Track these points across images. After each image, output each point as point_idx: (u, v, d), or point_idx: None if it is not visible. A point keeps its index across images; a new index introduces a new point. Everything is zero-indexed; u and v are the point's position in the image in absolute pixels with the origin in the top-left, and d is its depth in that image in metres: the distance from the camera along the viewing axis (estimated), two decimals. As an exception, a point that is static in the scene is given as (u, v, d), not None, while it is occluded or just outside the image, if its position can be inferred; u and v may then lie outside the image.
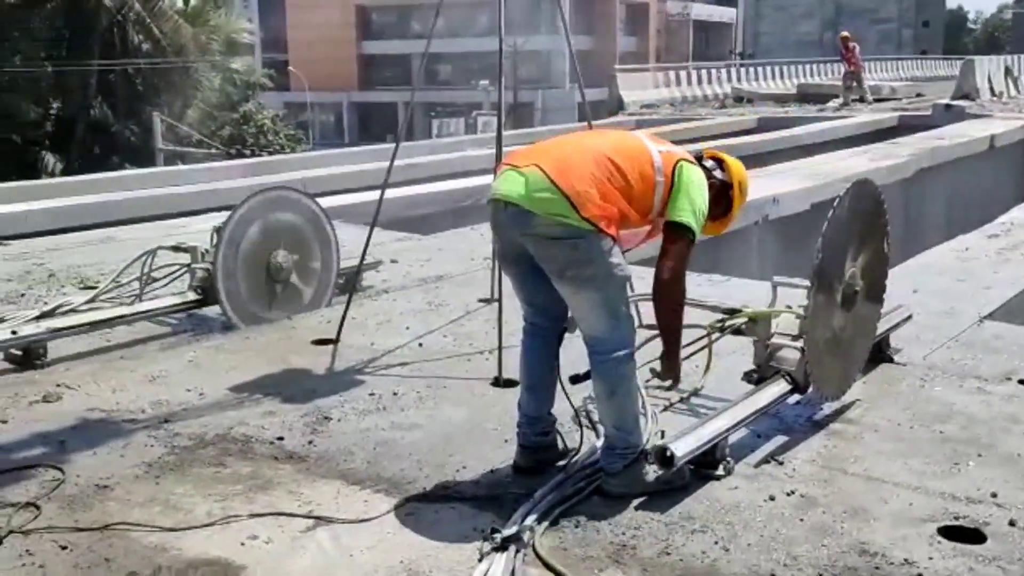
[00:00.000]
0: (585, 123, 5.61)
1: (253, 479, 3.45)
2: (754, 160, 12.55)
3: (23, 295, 6.24)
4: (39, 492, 3.30)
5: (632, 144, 3.33)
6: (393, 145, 6.03)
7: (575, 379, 3.55)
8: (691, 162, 3.37)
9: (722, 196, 3.50)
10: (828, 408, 4.12)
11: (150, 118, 27.83)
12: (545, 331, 3.47)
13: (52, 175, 26.97)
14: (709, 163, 3.53)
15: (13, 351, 4.71)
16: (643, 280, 3.50)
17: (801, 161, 13.62)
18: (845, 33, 25.71)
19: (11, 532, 2.99)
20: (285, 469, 3.55)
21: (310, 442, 3.80)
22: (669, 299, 3.31)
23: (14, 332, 4.70)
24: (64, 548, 2.92)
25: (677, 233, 3.26)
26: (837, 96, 24.83)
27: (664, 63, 48.34)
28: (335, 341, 5.14)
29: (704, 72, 31.47)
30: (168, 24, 31.40)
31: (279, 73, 50.46)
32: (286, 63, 54.08)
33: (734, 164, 3.59)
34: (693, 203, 3.26)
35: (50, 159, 28.30)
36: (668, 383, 3.53)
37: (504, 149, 5.42)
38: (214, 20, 37.64)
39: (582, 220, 3.07)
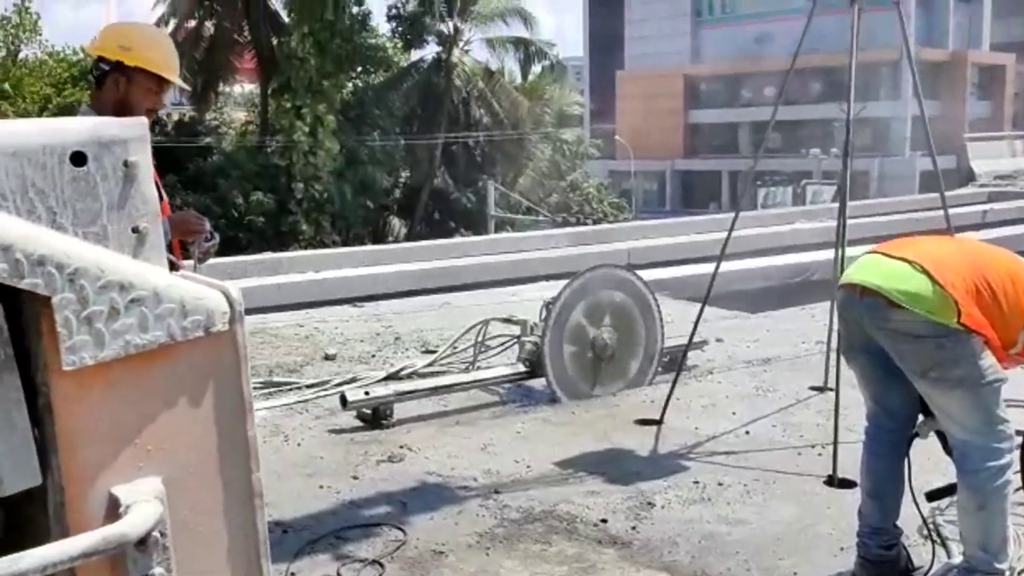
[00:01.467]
0: (941, 205, 5.21)
1: (578, 561, 3.47)
2: None
3: (374, 356, 6.82)
4: (383, 551, 3.54)
5: (1015, 263, 3.03)
6: (722, 216, 5.96)
7: (934, 495, 3.24)
8: None
9: None
10: None
11: (485, 186, 29.78)
12: (892, 432, 3.21)
13: (397, 238, 29.59)
14: None
15: (364, 410, 5.13)
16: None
17: None
18: None
19: (358, 587, 3.22)
20: (608, 554, 3.54)
21: (633, 527, 3.77)
22: None
23: (367, 393, 5.13)
24: (403, 610, 3.09)
25: None
26: None
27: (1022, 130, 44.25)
28: (659, 422, 5.11)
29: (1070, 140, 28.40)
30: (507, 99, 33.63)
31: (606, 142, 52.15)
32: (613, 132, 55.72)
33: None
34: None
35: (396, 223, 31.07)
36: None
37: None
38: (549, 94, 39.82)
39: (958, 322, 2.82)
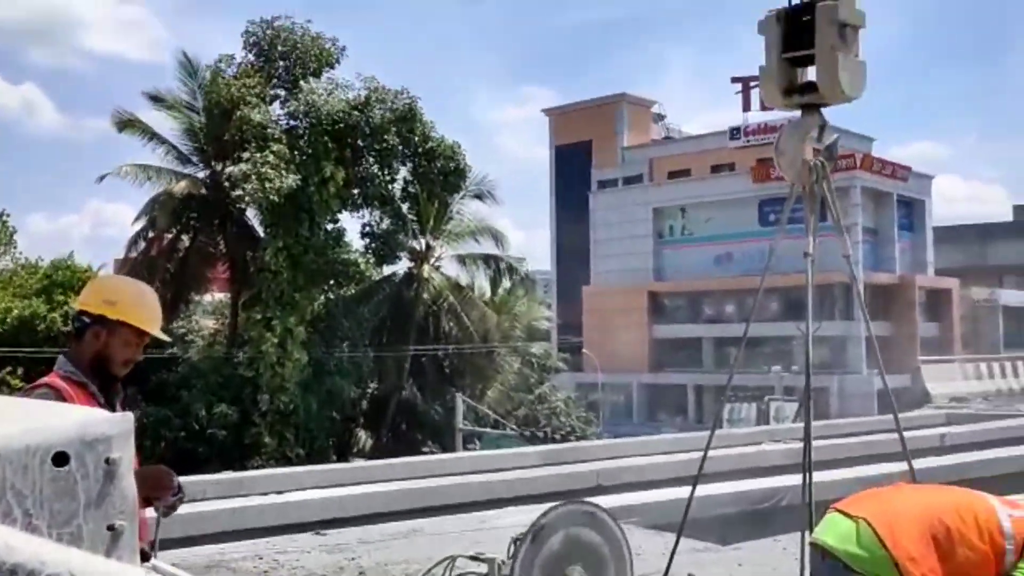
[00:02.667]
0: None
1: None
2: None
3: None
4: None
5: (978, 507, 3.03)
6: (690, 434, 5.96)
7: None
8: None
9: None
10: None
11: (453, 399, 29.73)
12: None
13: (363, 450, 29.19)
14: None
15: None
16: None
17: None
18: None
19: None
20: None
21: None
22: None
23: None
24: None
25: None
26: None
27: (971, 352, 45.48)
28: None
29: (1021, 363, 29.22)
30: (476, 312, 34.23)
31: (573, 355, 52.80)
32: (580, 345, 56.52)
33: None
34: None
35: (362, 435, 30.72)
36: None
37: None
38: (517, 308, 40.63)
39: None
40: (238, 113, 27.49)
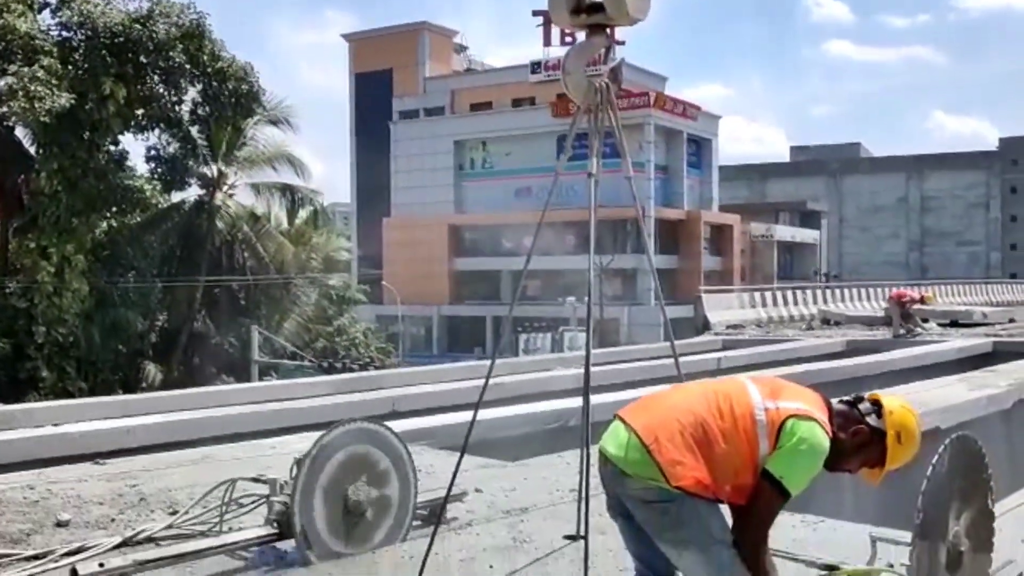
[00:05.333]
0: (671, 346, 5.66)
1: None
2: (845, 387, 12.33)
3: (113, 520, 6.33)
4: None
5: (737, 400, 3.24)
6: (484, 362, 6.14)
7: None
8: (806, 417, 3.18)
9: (875, 443, 3.31)
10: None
11: (248, 331, 29.00)
12: None
13: (152, 385, 28.05)
14: (866, 406, 3.36)
15: (100, 583, 4.73)
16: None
17: (896, 389, 13.30)
18: (899, 291, 25.68)
19: None
20: None
21: None
22: (755, 558, 3.15)
23: (101, 565, 4.74)
24: None
25: (770, 486, 3.13)
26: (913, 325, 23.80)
27: (749, 283, 48.83)
28: (417, 581, 5.04)
29: (790, 293, 31.63)
30: (273, 244, 33.34)
31: (373, 288, 52.53)
32: (380, 278, 56.31)
33: (897, 411, 3.36)
34: (794, 463, 3.13)
35: (152, 369, 29.47)
36: None
37: (592, 369, 5.53)
38: (315, 239, 39.88)
39: (672, 487, 3.05)
40: (0, 21, 25.08)
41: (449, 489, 5.64)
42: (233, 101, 28.23)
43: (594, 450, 3.66)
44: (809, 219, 70.79)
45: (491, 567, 5.34)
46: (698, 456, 3.09)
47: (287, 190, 35.39)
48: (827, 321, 27.65)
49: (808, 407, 3.24)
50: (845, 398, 3.46)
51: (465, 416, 5.65)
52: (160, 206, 31.40)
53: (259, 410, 11.73)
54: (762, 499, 3.15)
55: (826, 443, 3.18)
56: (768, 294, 30.90)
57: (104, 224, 28.73)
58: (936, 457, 3.63)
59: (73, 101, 24.46)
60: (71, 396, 23.28)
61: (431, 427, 9.95)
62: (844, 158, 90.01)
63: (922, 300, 24.15)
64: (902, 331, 22.93)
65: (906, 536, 3.59)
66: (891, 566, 3.83)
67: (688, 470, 3.07)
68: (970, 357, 18.77)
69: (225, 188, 32.51)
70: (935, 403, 11.19)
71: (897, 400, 3.46)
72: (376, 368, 29.88)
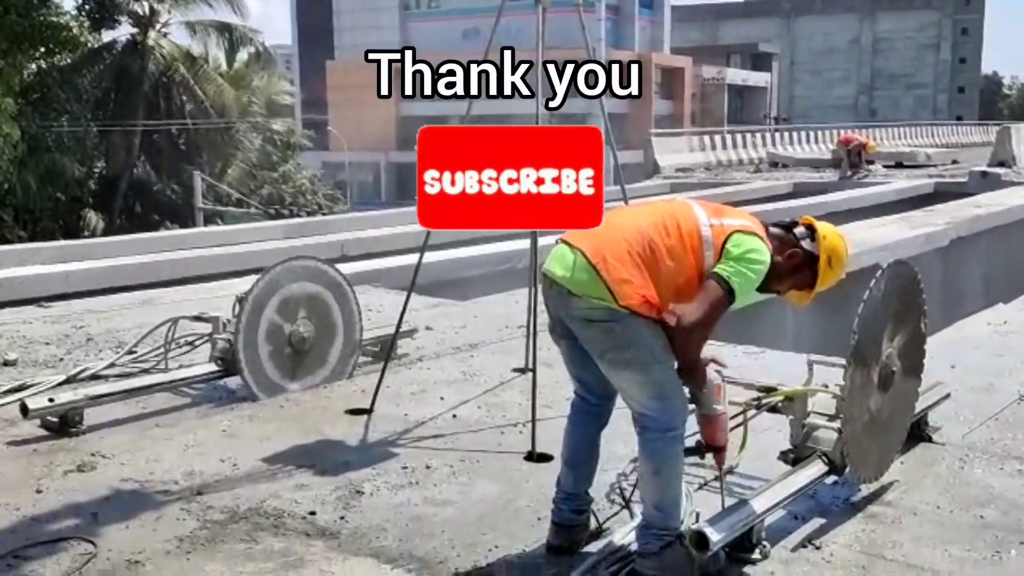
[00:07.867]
0: (623, 186, 5.67)
1: (284, 556, 3.44)
2: (789, 227, 12.51)
3: (61, 359, 6.32)
4: (71, 566, 3.31)
5: (683, 218, 3.26)
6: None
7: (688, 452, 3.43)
8: (749, 233, 3.23)
9: (807, 266, 3.43)
10: (865, 490, 4.04)
11: (191, 177, 28.34)
12: (593, 407, 3.46)
13: (94, 233, 27.50)
14: (800, 230, 3.45)
15: (49, 418, 4.75)
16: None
17: (838, 228, 13.53)
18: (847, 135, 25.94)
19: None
20: (317, 546, 3.53)
21: (342, 517, 3.79)
22: (690, 345, 3.21)
23: (51, 400, 4.75)
24: (94, 626, 2.91)
25: (715, 283, 3.14)
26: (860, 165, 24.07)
27: (699, 127, 48.64)
28: (369, 411, 5.14)
29: (739, 136, 31.63)
30: (212, 86, 32.17)
31: (319, 133, 51.38)
32: (326, 123, 55.05)
33: (830, 236, 3.46)
34: (739, 267, 3.16)
35: (93, 217, 28.84)
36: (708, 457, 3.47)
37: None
38: (256, 82, 38.55)
39: (620, 306, 3.08)
40: None
41: (398, 325, 5.69)
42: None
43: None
44: (761, 62, 70.07)
45: (442, 398, 5.46)
46: (645, 274, 3.12)
47: (224, 29, 33.91)
48: (775, 164, 27.81)
49: (751, 224, 3.31)
50: (779, 221, 3.51)
51: (414, 258, 5.65)
52: (90, 46, 29.94)
53: (206, 254, 11.63)
54: (706, 292, 3.16)
55: (768, 257, 3.24)
56: (718, 137, 30.87)
57: (32, 66, 27.40)
58: (873, 281, 3.72)
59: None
60: (9, 243, 22.82)
61: (380, 269, 9.98)
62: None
63: (864, 148, 24.26)
64: (848, 173, 23.19)
65: (843, 361, 3.70)
66: (826, 386, 3.97)
67: (635, 288, 3.10)
68: (913, 198, 19.12)
69: (158, 27, 31.06)
70: (875, 241, 11.45)
71: (829, 225, 3.55)
72: (324, 215, 29.58)
